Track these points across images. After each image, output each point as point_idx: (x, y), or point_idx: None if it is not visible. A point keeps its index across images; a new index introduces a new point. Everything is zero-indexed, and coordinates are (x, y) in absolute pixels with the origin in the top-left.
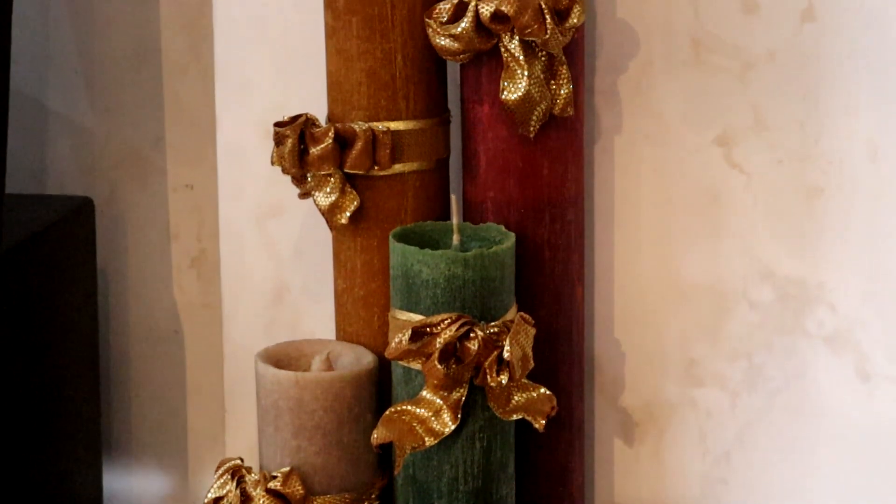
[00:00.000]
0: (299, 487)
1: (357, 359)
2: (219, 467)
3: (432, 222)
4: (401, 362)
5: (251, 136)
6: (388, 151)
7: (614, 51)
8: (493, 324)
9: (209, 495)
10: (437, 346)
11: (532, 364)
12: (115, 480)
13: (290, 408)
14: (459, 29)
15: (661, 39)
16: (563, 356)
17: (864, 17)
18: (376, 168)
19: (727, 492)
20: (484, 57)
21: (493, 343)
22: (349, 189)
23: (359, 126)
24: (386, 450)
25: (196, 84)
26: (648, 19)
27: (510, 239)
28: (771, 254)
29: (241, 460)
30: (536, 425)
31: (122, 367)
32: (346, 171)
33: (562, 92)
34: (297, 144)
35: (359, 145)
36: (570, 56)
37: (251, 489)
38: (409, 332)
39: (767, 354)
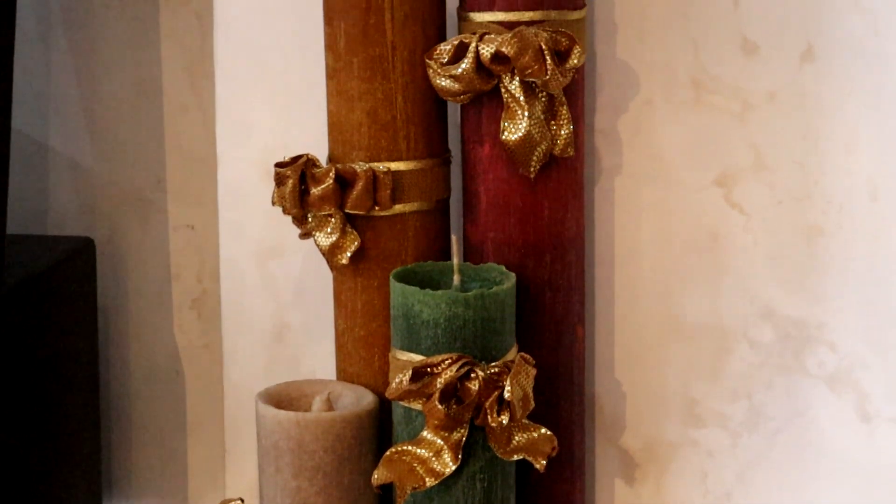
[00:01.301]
0: None
1: (357, 399)
2: None
3: (433, 262)
4: (401, 402)
5: (252, 176)
6: (388, 192)
7: (614, 91)
8: (493, 364)
9: None
10: (438, 386)
11: (533, 404)
12: None
13: (291, 448)
14: (460, 70)
15: (662, 80)
16: (563, 396)
17: (863, 57)
18: (377, 208)
19: None
20: (484, 97)
21: (493, 383)
22: (350, 229)
23: (359, 166)
24: (387, 490)
25: (197, 124)
26: (648, 60)
27: (511, 279)
28: (771, 294)
29: (242, 501)
30: (537, 466)
31: (123, 406)
32: (346, 211)
33: (562, 132)
34: (297, 185)
35: (359, 186)
36: (570, 96)
37: None
38: (410, 372)
39: (768, 394)
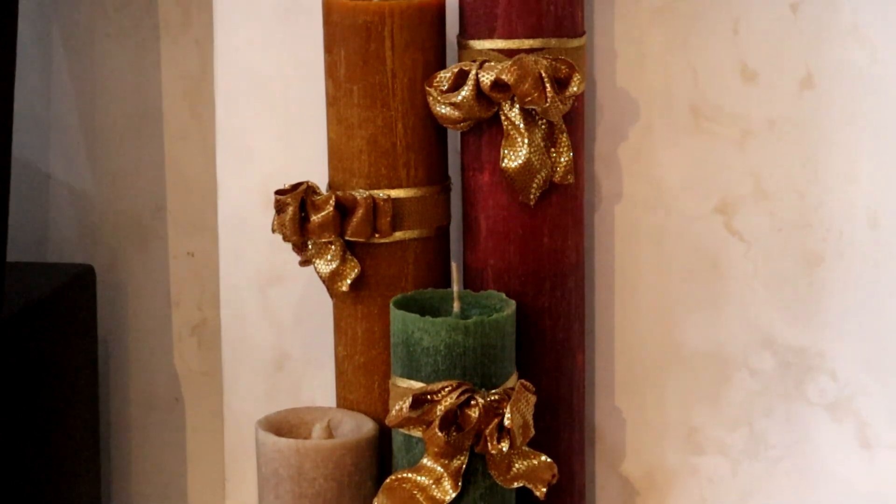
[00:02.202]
0: None
1: (358, 426)
2: None
3: (433, 290)
4: (401, 430)
5: (252, 203)
6: (388, 219)
7: (614, 118)
8: (493, 391)
9: None
10: (438, 413)
11: (533, 431)
12: None
13: (291, 476)
14: (460, 97)
15: (661, 107)
16: (563, 423)
17: (863, 84)
18: (377, 236)
19: None
20: (484, 125)
21: (493, 410)
22: (350, 256)
23: (359, 194)
24: None
25: (197, 151)
26: (648, 87)
27: (511, 306)
28: (771, 321)
29: None
30: (537, 493)
31: (123, 434)
32: (346, 238)
33: (562, 160)
34: (297, 212)
35: (359, 213)
36: (570, 124)
37: None
38: (410, 399)
39: (768, 422)
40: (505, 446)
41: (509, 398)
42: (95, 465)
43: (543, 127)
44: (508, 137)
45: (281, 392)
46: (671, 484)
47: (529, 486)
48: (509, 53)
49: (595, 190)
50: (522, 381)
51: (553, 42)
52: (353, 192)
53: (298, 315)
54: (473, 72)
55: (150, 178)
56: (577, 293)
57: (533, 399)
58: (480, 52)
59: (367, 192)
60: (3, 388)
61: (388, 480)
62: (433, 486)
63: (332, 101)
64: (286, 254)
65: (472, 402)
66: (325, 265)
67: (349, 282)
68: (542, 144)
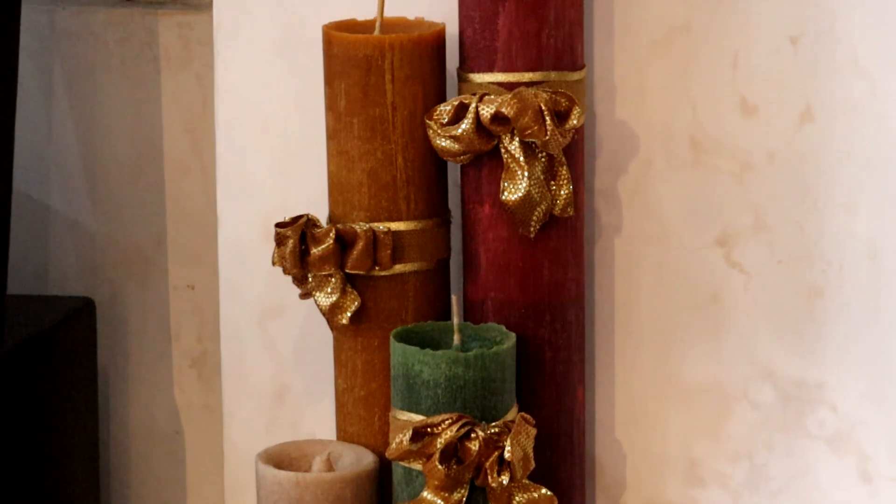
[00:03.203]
0: None
1: (358, 459)
2: None
3: (433, 322)
4: (401, 463)
5: (252, 236)
6: (388, 252)
7: (614, 151)
8: (493, 424)
9: None
10: (438, 446)
11: (533, 464)
12: None
13: None
14: (460, 130)
15: (661, 140)
16: (564, 456)
17: (862, 117)
18: (377, 268)
19: None
20: (484, 158)
21: (494, 443)
22: (350, 289)
23: (360, 227)
24: None
25: (197, 184)
26: (648, 121)
27: (511, 339)
28: (771, 354)
29: None
30: None
31: (123, 467)
32: (347, 271)
33: (562, 192)
34: (298, 245)
35: (360, 246)
36: (569, 157)
37: None
38: (410, 432)
39: (769, 454)
40: (505, 479)
41: (510, 431)
42: (95, 497)
43: (543, 160)
44: (508, 170)
45: (281, 425)
46: None
47: None
48: (509, 86)
49: (595, 222)
50: (523, 413)
51: (553, 75)
52: (354, 225)
53: (298, 348)
54: (473, 105)
55: (150, 211)
56: (578, 326)
57: (533, 432)
58: (480, 85)
59: (368, 225)
60: (3, 420)
61: None
62: None
63: (332, 134)
64: (286, 286)
65: (473, 435)
66: (326, 298)
67: (349, 314)
68: (542, 177)
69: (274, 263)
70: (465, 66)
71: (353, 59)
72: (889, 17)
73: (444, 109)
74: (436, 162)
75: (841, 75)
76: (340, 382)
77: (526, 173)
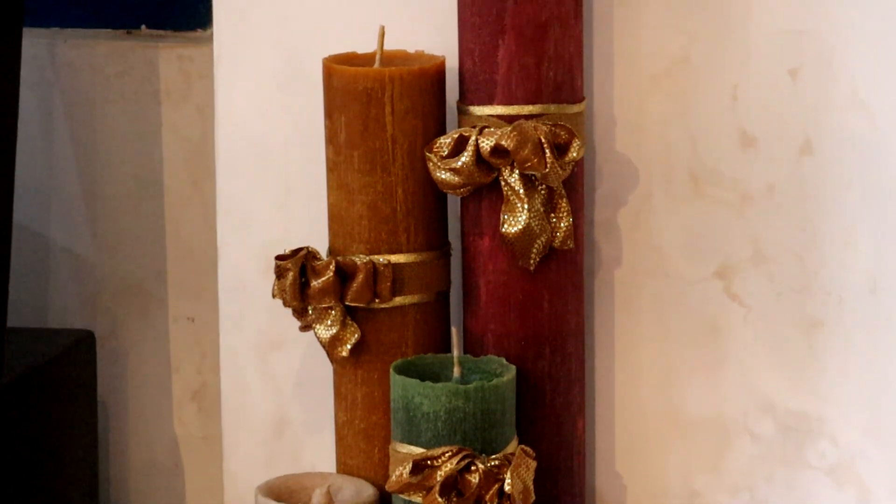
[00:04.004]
0: None
1: (358, 492)
2: None
3: (433, 355)
4: (402, 495)
5: (252, 268)
6: (388, 284)
7: (614, 184)
8: (494, 457)
9: None
10: (438, 479)
11: (533, 497)
12: None
13: None
14: (460, 163)
15: (661, 173)
16: (564, 489)
17: (861, 150)
18: (377, 301)
19: None
20: (484, 190)
21: (494, 476)
22: (350, 322)
23: (360, 259)
24: None
25: (197, 217)
26: (647, 153)
27: (511, 371)
28: (772, 386)
29: None
30: None
31: (122, 500)
32: (347, 303)
33: (562, 225)
34: (298, 277)
35: (360, 278)
36: (569, 189)
37: None
38: (410, 465)
39: (769, 487)
40: None
41: (510, 463)
42: None
43: (543, 192)
44: (508, 203)
45: (281, 457)
46: None
47: None
48: (509, 119)
49: (595, 255)
50: (523, 446)
51: (552, 108)
52: (354, 258)
53: (299, 380)
54: (473, 138)
55: (150, 244)
56: (578, 358)
57: (533, 464)
58: (480, 117)
59: (368, 258)
60: (3, 453)
61: None
62: None
63: (332, 167)
64: (286, 319)
65: (473, 468)
66: (326, 330)
67: (349, 347)
68: (541, 210)
69: (274, 296)
70: (464, 99)
71: (354, 91)
72: (888, 51)
73: (444, 142)
74: (436, 194)
75: (840, 108)
76: (340, 415)
77: (526, 206)
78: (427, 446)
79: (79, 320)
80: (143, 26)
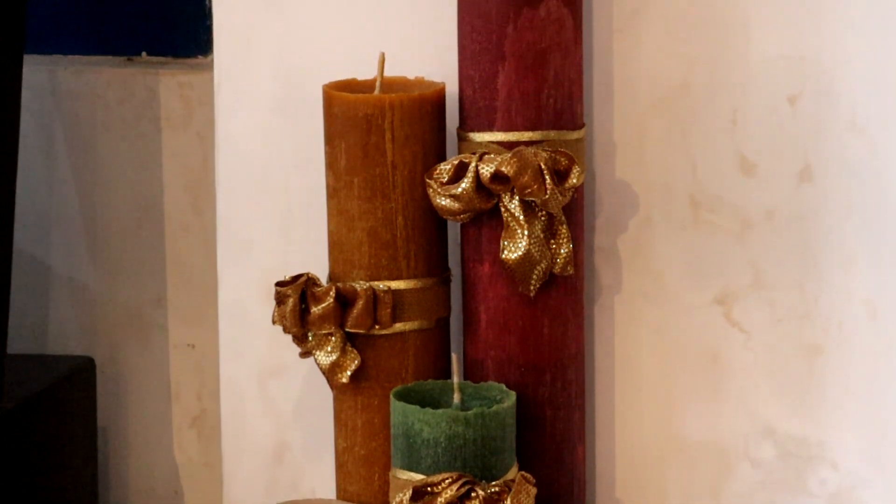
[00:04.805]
0: None
1: None
2: None
3: (433, 381)
4: None
5: (252, 295)
6: (388, 311)
7: (614, 210)
8: (494, 483)
9: None
10: None
11: None
12: None
13: None
14: (460, 189)
15: (660, 199)
16: None
17: (861, 176)
18: (377, 327)
19: None
20: (484, 216)
21: (494, 503)
22: (350, 348)
23: (360, 285)
24: None
25: (198, 243)
26: (647, 179)
27: (511, 398)
28: (772, 412)
29: None
30: None
31: None
32: (347, 330)
33: (562, 251)
34: (298, 304)
35: (360, 305)
36: (569, 215)
37: None
38: (410, 491)
39: None
40: None
41: (510, 490)
42: None
43: (543, 218)
44: (508, 229)
45: (281, 484)
46: None
47: None
48: (509, 146)
49: (595, 281)
50: (523, 472)
51: (552, 134)
52: (354, 284)
53: (299, 406)
54: (473, 164)
55: (150, 270)
56: (578, 384)
57: (533, 491)
58: (480, 144)
59: (368, 284)
60: (3, 479)
61: None
62: None
63: (332, 193)
64: (286, 345)
65: (473, 494)
66: (326, 357)
67: (349, 373)
68: (541, 236)
69: (274, 322)
70: (464, 126)
71: (354, 118)
72: (887, 77)
73: (444, 168)
74: (436, 221)
75: (839, 134)
76: (340, 441)
77: (526, 232)
78: (427, 473)
79: (79, 346)
80: (144, 53)
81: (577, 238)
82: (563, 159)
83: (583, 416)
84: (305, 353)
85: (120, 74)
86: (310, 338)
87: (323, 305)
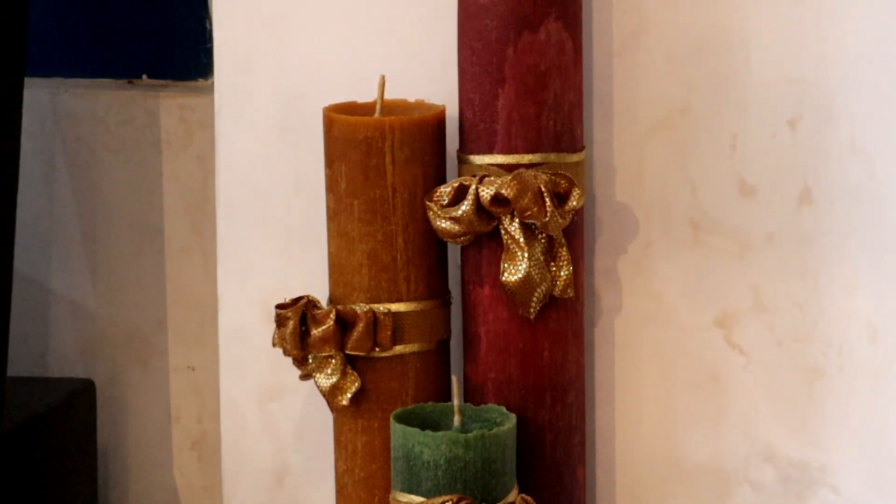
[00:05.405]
0: None
1: None
2: None
3: (433, 403)
4: None
5: (252, 317)
6: (389, 333)
7: (614, 232)
8: None
9: None
10: None
11: None
12: None
13: None
14: (460, 212)
15: (660, 221)
16: None
17: (860, 199)
18: (377, 350)
19: None
20: (484, 239)
21: None
22: (350, 370)
23: (360, 308)
24: None
25: (198, 266)
26: (647, 201)
27: (511, 420)
28: (772, 435)
29: None
30: None
31: None
32: (347, 352)
33: (562, 273)
34: (298, 326)
35: (360, 327)
36: (569, 238)
37: None
38: None
39: None
40: None
41: None
42: None
43: (543, 241)
44: (508, 251)
45: None
46: None
47: None
48: (509, 168)
49: (595, 303)
50: (523, 495)
51: (552, 157)
52: (354, 306)
53: (299, 429)
54: (473, 186)
55: (150, 293)
56: (578, 407)
57: None
58: (480, 166)
59: (368, 306)
60: (3, 501)
61: None
62: None
63: (332, 216)
64: (286, 368)
65: None
66: (326, 379)
67: (349, 396)
68: (541, 258)
69: (274, 345)
70: (464, 148)
71: (354, 141)
72: (886, 100)
73: (445, 191)
74: (436, 243)
75: (839, 157)
76: (340, 464)
77: (526, 254)
78: (427, 495)
79: (79, 369)
80: (145, 76)
81: (578, 260)
82: (563, 182)
83: (583, 439)
84: (305, 376)
85: (120, 97)
86: (310, 360)
87: (323, 328)
